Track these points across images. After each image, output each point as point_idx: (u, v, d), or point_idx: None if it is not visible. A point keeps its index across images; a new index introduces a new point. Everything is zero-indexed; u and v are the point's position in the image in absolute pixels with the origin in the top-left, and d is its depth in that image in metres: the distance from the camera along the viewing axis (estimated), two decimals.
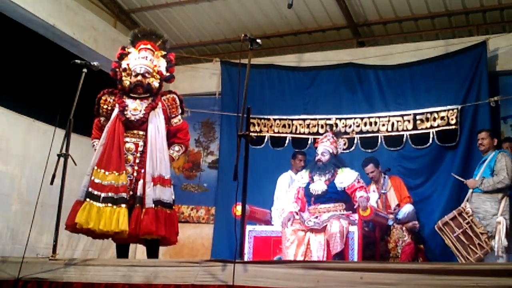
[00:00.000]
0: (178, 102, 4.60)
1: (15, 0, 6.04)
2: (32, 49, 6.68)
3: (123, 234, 4.07)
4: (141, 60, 4.46)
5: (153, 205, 4.14)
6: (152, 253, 4.37)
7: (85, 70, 4.33)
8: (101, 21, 7.48)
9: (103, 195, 4.12)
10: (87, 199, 4.13)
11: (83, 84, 4.29)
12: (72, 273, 3.58)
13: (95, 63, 4.43)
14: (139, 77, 4.40)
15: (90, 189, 4.16)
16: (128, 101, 4.44)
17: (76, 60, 4.38)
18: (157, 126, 4.36)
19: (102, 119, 4.57)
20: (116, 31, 7.75)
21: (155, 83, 4.46)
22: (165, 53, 4.64)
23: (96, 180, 4.18)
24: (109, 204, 4.09)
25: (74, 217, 4.06)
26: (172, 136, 4.61)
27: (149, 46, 4.56)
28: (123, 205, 4.11)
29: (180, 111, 4.62)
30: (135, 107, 4.41)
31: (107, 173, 4.19)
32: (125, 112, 4.39)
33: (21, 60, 6.43)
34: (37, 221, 4.20)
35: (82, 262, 3.69)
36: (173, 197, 4.40)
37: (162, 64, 4.56)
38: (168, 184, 4.31)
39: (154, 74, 4.48)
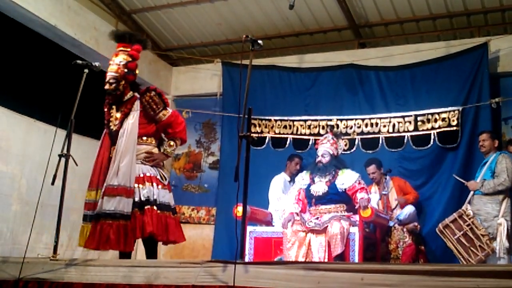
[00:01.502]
0: (157, 97, 4.43)
1: (16, 0, 6.04)
2: (33, 50, 6.69)
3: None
4: (110, 67, 4.38)
5: (94, 220, 4.16)
6: (150, 253, 4.37)
7: (86, 70, 4.31)
8: (102, 22, 7.48)
9: (89, 213, 4.25)
10: (83, 222, 4.29)
11: (84, 85, 4.29)
12: (73, 274, 3.58)
13: (97, 64, 4.41)
14: (106, 86, 4.35)
15: (84, 211, 4.31)
16: (114, 111, 4.44)
17: (78, 61, 4.37)
18: (126, 134, 4.28)
19: None
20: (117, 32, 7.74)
21: (121, 86, 4.35)
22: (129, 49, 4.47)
23: (86, 200, 4.32)
24: (91, 221, 4.20)
25: None
26: (164, 132, 4.57)
27: (121, 49, 4.44)
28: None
29: (163, 105, 4.46)
30: (115, 117, 4.40)
31: (92, 190, 4.30)
32: (110, 124, 4.41)
33: (22, 60, 6.44)
34: (37, 222, 4.20)
35: (83, 263, 3.70)
36: (143, 198, 4.24)
37: (124, 63, 4.39)
38: (119, 193, 4.14)
39: (119, 77, 4.34)
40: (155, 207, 4.26)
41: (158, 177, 4.41)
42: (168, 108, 4.52)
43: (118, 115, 4.38)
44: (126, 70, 4.36)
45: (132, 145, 4.28)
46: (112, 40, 4.57)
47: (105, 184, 4.19)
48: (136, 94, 4.45)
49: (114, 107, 4.45)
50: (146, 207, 4.21)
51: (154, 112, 4.42)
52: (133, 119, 4.33)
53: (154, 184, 4.34)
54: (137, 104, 4.39)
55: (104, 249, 4.15)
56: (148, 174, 4.34)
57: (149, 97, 4.42)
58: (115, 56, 4.43)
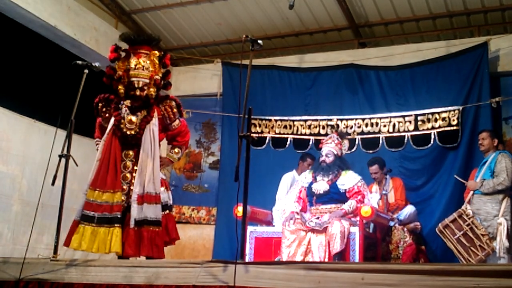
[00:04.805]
0: (175, 107, 4.46)
1: (16, 1, 6.04)
2: (33, 50, 6.70)
3: (116, 254, 4.13)
4: (137, 71, 4.27)
5: (135, 226, 4.09)
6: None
7: (86, 71, 4.31)
8: (102, 22, 7.49)
9: (97, 215, 4.11)
10: (82, 222, 4.13)
11: (85, 85, 4.28)
12: (74, 274, 3.59)
13: (97, 64, 4.40)
14: (138, 92, 4.25)
15: (84, 211, 4.15)
16: (124, 112, 4.34)
17: (78, 61, 4.36)
18: (149, 142, 4.26)
19: (103, 121, 4.53)
20: (117, 32, 7.74)
21: (152, 93, 4.31)
22: (160, 54, 4.43)
23: (90, 200, 4.16)
24: (104, 225, 4.09)
25: (70, 238, 4.12)
26: (172, 139, 4.58)
27: (143, 50, 4.39)
28: (117, 225, 4.10)
29: (178, 115, 4.51)
30: (130, 119, 4.31)
31: (102, 192, 4.17)
32: (121, 126, 4.30)
33: (22, 61, 6.44)
34: (37, 222, 4.20)
35: (84, 263, 3.69)
36: (168, 202, 4.36)
37: (157, 70, 4.37)
38: (156, 200, 4.18)
39: (151, 84, 4.31)
40: (172, 212, 4.39)
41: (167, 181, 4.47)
42: (180, 120, 4.55)
43: (134, 118, 4.30)
44: (163, 82, 4.39)
45: (158, 151, 4.30)
46: (130, 39, 4.46)
47: (138, 191, 4.14)
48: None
49: (124, 108, 4.36)
50: (165, 212, 4.28)
51: (170, 121, 4.46)
52: (156, 126, 4.32)
53: (166, 188, 4.44)
54: (155, 111, 4.38)
55: (154, 257, 4.14)
56: (163, 178, 4.44)
57: (169, 106, 4.44)
58: (137, 58, 4.32)
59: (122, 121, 4.32)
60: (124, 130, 4.30)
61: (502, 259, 5.26)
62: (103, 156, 4.28)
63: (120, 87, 4.31)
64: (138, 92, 4.26)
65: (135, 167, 4.27)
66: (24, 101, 6.53)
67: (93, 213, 4.12)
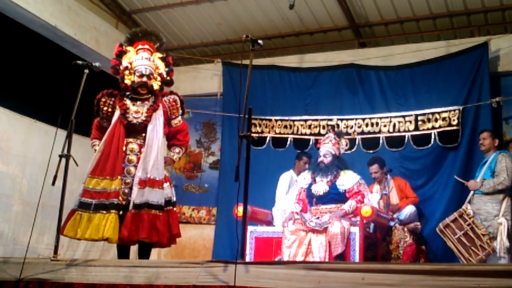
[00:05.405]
0: (179, 103, 4.55)
1: (16, 1, 6.05)
2: (34, 50, 6.70)
3: (112, 240, 4.07)
4: (145, 61, 4.40)
5: (134, 209, 4.08)
6: (142, 254, 4.33)
7: (86, 71, 4.31)
8: (102, 22, 7.49)
9: (95, 202, 4.12)
10: (78, 209, 4.14)
11: (85, 85, 4.29)
12: (74, 274, 3.59)
13: (97, 64, 4.41)
14: (144, 78, 4.36)
15: (82, 199, 4.16)
16: (129, 103, 4.40)
17: (78, 61, 4.37)
18: (155, 129, 4.32)
19: (102, 120, 4.55)
20: (117, 32, 7.77)
21: (156, 85, 4.43)
22: (163, 55, 4.57)
23: (89, 188, 4.17)
24: (101, 211, 4.08)
25: (66, 226, 4.11)
26: (172, 138, 4.61)
27: (147, 47, 4.50)
28: (113, 211, 4.08)
29: (180, 112, 4.58)
30: (136, 110, 4.37)
31: (100, 179, 4.18)
32: (127, 115, 4.35)
33: (22, 61, 6.45)
34: (37, 222, 4.20)
35: (84, 263, 3.69)
36: (172, 198, 4.37)
37: (161, 67, 4.51)
38: (159, 185, 4.20)
39: (156, 76, 4.44)
40: (174, 209, 4.37)
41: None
42: (181, 118, 4.62)
43: (141, 109, 4.36)
44: (168, 78, 4.52)
45: (162, 140, 4.37)
46: (136, 35, 4.57)
47: (141, 175, 4.16)
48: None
49: (125, 98, 4.43)
50: (169, 207, 4.28)
51: (173, 116, 4.53)
52: (161, 116, 4.40)
53: (170, 184, 4.44)
54: (161, 102, 4.46)
55: (151, 240, 4.15)
56: (166, 175, 4.43)
57: (173, 100, 4.53)
58: (142, 51, 4.45)
59: (128, 110, 4.37)
60: (130, 119, 4.35)
61: (502, 259, 5.27)
62: (105, 146, 4.30)
63: (127, 76, 4.40)
64: (145, 79, 4.36)
65: (142, 150, 4.29)
66: (25, 101, 6.54)
67: (90, 200, 4.13)
